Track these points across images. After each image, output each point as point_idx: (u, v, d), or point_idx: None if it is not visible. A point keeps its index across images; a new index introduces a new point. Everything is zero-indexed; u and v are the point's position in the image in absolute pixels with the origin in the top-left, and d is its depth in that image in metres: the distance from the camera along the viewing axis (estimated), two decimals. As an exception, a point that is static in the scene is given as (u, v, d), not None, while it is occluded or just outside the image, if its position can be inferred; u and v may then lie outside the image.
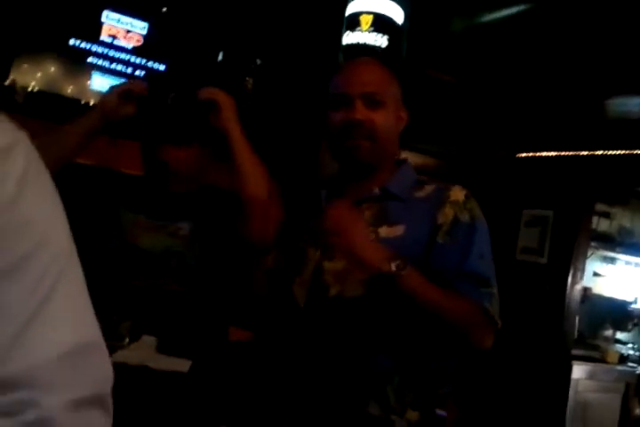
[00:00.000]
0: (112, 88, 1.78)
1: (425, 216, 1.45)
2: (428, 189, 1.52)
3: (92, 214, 1.81)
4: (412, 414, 1.38)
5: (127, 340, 1.38)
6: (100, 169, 1.97)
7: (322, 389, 1.34)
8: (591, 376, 4.33)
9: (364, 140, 1.46)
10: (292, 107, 3.54)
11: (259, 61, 3.78)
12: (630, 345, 5.03)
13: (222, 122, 1.68)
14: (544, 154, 4.62)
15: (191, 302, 1.76)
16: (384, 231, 1.45)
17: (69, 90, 3.40)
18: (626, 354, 4.73)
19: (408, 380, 1.39)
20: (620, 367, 4.55)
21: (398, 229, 1.45)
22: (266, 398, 1.18)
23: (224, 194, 1.87)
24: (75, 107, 3.30)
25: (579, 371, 4.27)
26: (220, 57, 3.90)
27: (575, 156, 4.54)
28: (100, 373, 0.63)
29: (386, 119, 1.49)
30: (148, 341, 1.40)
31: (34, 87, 3.33)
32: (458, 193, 1.47)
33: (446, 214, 1.43)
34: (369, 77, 1.52)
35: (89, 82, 3.45)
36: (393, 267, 1.27)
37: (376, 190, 1.51)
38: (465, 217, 1.44)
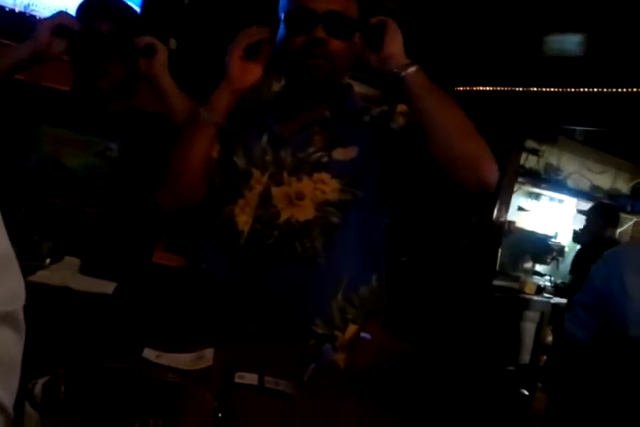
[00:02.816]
0: (42, 23, 1.65)
1: (377, 133, 1.44)
2: (376, 110, 1.50)
3: (8, 129, 1.70)
4: (353, 329, 1.41)
5: (48, 260, 1.33)
6: (21, 82, 1.84)
7: (267, 310, 1.35)
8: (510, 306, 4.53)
9: (323, 60, 1.40)
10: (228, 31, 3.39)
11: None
12: (547, 277, 5.28)
13: (154, 66, 1.70)
14: (480, 88, 4.63)
15: (115, 224, 1.70)
16: (337, 153, 1.43)
17: None
18: (543, 285, 4.97)
19: (350, 296, 1.41)
20: (536, 298, 4.77)
21: (352, 151, 1.44)
22: (197, 320, 1.17)
23: (152, 116, 1.80)
24: None
25: (498, 300, 4.46)
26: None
27: (510, 91, 4.57)
28: (9, 289, 0.59)
29: (347, 40, 1.42)
30: (71, 262, 1.35)
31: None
32: (405, 107, 1.45)
33: (398, 121, 1.44)
34: None
35: None
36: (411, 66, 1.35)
37: (326, 113, 1.47)
38: None
